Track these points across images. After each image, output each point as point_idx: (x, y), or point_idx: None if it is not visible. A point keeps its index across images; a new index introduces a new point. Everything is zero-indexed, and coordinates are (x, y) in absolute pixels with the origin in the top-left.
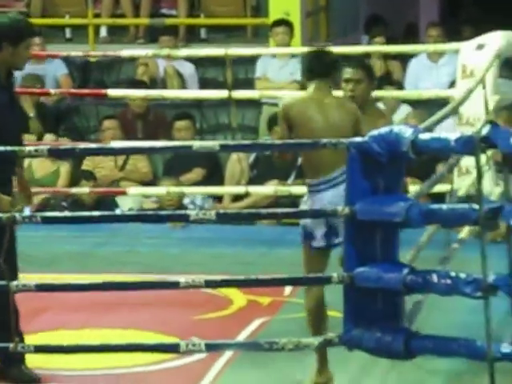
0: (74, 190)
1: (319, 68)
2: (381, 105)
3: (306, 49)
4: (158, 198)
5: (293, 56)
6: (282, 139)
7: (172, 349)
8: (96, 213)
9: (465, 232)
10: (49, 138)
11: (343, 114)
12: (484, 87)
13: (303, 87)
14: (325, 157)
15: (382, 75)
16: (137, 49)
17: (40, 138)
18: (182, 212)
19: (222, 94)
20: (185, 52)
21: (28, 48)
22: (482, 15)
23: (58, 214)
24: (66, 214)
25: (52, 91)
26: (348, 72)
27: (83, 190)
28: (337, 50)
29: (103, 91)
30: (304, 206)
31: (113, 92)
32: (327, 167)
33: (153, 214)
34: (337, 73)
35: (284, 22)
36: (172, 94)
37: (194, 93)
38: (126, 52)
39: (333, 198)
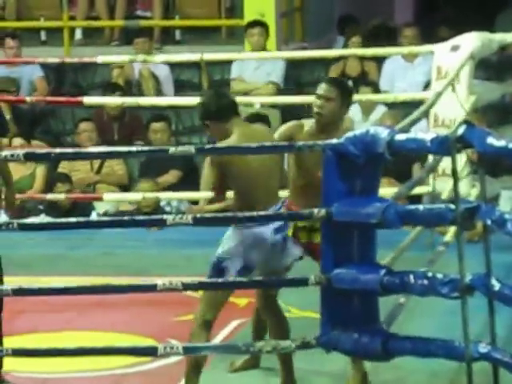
0: (50, 195)
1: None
2: (357, 106)
3: (282, 53)
4: (136, 201)
5: (268, 58)
6: (216, 186)
7: (149, 352)
8: (72, 219)
9: (450, 235)
10: (17, 141)
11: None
12: (454, 89)
13: (279, 88)
14: (260, 195)
15: (357, 76)
16: (112, 51)
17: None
18: (159, 217)
19: (197, 100)
20: (161, 57)
21: None
22: (458, 15)
23: (34, 220)
24: (43, 220)
25: (28, 99)
26: (321, 88)
27: (59, 196)
28: (313, 53)
29: (79, 99)
30: (228, 242)
31: (88, 100)
32: (260, 205)
33: (129, 219)
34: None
35: (259, 23)
36: (147, 101)
37: (169, 100)
38: (102, 58)
39: (260, 234)
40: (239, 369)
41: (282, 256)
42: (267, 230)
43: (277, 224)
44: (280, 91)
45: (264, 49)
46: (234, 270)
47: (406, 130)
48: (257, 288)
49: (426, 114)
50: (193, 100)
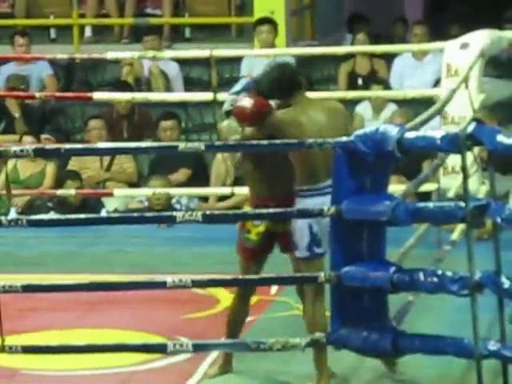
0: (60, 191)
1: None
2: (367, 105)
3: (291, 49)
4: (147, 199)
5: (277, 54)
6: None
7: (159, 349)
8: (82, 216)
9: (457, 233)
10: (27, 139)
11: (335, 117)
12: (467, 86)
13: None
14: (317, 165)
15: (367, 74)
16: (121, 49)
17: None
18: (169, 214)
19: (206, 96)
20: (170, 53)
21: None
22: (468, 12)
23: (43, 216)
24: (52, 216)
25: (37, 95)
26: None
27: (69, 191)
28: (322, 50)
29: (88, 94)
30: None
31: (98, 95)
32: (318, 176)
33: (139, 215)
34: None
35: (267, 21)
36: (157, 96)
37: (178, 95)
38: (112, 54)
39: (316, 206)
40: (216, 375)
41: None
42: (326, 200)
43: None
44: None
45: (273, 46)
46: (304, 244)
47: (418, 127)
48: (266, 285)
49: (439, 112)
50: (202, 96)
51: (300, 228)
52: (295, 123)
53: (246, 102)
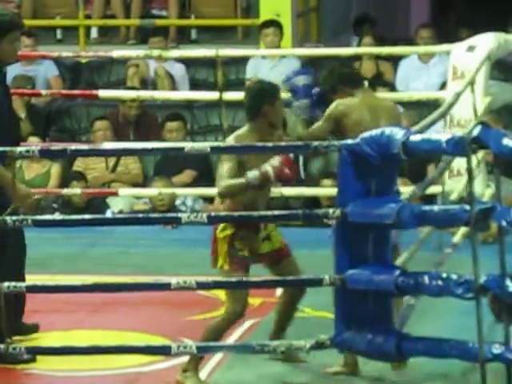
0: (65, 191)
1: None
2: None
3: (297, 50)
4: (150, 200)
5: (283, 56)
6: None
7: (163, 351)
8: (87, 216)
9: (458, 236)
10: (33, 140)
11: (390, 118)
12: (473, 89)
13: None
14: None
15: (373, 76)
16: (127, 50)
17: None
18: (174, 215)
19: (212, 95)
20: (176, 53)
21: (14, 41)
22: (473, 15)
23: (48, 217)
24: (57, 217)
25: (43, 92)
26: None
27: (74, 190)
28: (328, 51)
29: (94, 92)
30: None
31: (104, 93)
32: None
33: (144, 216)
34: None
35: (273, 23)
36: (163, 95)
37: (184, 94)
38: (117, 52)
39: None
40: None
41: None
42: None
43: None
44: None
45: (279, 49)
46: None
47: (424, 130)
48: (271, 287)
49: (444, 115)
50: (209, 95)
51: None
52: (354, 113)
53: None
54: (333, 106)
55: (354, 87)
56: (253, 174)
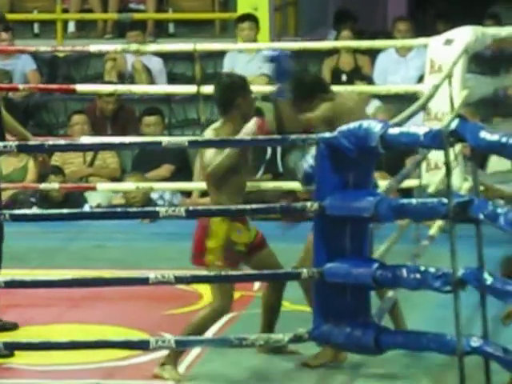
0: (43, 185)
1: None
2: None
3: (274, 44)
4: (124, 195)
5: (260, 50)
6: None
7: (142, 345)
8: (65, 210)
9: (435, 229)
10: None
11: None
12: (450, 83)
13: (271, 81)
14: None
15: (351, 70)
16: (105, 44)
17: None
18: (152, 209)
19: (190, 89)
20: (153, 47)
21: None
22: (450, 9)
23: (26, 211)
24: (35, 211)
25: (20, 86)
26: None
27: (52, 185)
28: (306, 45)
29: (72, 87)
30: None
31: (81, 87)
32: None
33: (122, 211)
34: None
35: (249, 17)
36: (141, 89)
37: (162, 88)
38: (95, 47)
39: None
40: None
41: None
42: None
43: None
44: (273, 83)
45: (255, 42)
46: None
47: (403, 123)
48: (249, 281)
49: (423, 108)
50: (187, 89)
51: None
52: (346, 109)
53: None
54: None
55: (325, 91)
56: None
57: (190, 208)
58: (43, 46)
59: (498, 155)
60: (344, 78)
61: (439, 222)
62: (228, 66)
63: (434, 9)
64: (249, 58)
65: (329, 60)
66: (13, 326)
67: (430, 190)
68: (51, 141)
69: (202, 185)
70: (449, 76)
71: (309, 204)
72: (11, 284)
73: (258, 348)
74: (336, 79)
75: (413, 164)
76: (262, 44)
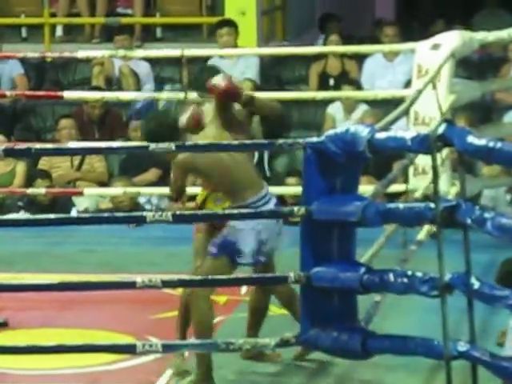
0: (30, 190)
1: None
2: (339, 105)
3: (261, 49)
4: (111, 199)
5: (245, 54)
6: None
7: (128, 349)
8: (52, 216)
9: (423, 233)
10: None
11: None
12: (434, 87)
13: (256, 86)
14: (241, 184)
15: (338, 74)
16: (93, 48)
17: None
18: (139, 214)
19: (178, 95)
20: (141, 53)
21: None
22: (438, 13)
23: (14, 217)
24: (22, 216)
25: (8, 93)
26: None
27: (39, 190)
28: (293, 50)
29: (59, 93)
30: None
31: (69, 94)
32: (247, 193)
33: (109, 215)
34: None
35: (227, 23)
36: (128, 96)
37: (149, 94)
38: (83, 53)
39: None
40: None
41: (278, 238)
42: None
43: (275, 202)
44: (257, 88)
45: (235, 48)
46: (248, 250)
47: (386, 128)
48: (236, 285)
49: (406, 112)
50: (174, 95)
51: (245, 233)
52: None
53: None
54: None
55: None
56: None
57: (177, 212)
58: (31, 50)
59: (484, 160)
60: (332, 82)
61: (427, 227)
62: None
63: (421, 13)
64: (230, 64)
65: (316, 64)
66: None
67: (418, 194)
68: (38, 145)
69: (190, 190)
70: (432, 80)
71: (296, 208)
72: None
73: (243, 353)
74: (324, 83)
75: (400, 169)
76: (248, 49)
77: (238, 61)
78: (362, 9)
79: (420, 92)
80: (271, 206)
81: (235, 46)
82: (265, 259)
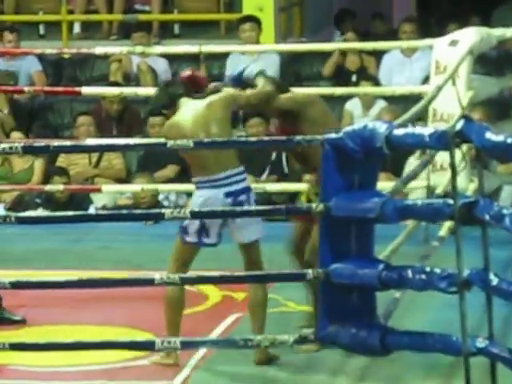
0: (48, 187)
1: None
2: (357, 101)
3: (279, 46)
4: (133, 196)
5: (262, 52)
6: None
7: (147, 346)
8: (70, 213)
9: (444, 230)
10: (16, 135)
11: (207, 110)
12: (454, 83)
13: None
14: (206, 159)
15: (357, 70)
16: (110, 45)
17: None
18: (157, 210)
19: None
20: (159, 49)
21: None
22: (456, 10)
23: (32, 214)
24: (41, 213)
25: (26, 89)
26: None
27: (57, 187)
28: (310, 46)
29: (77, 89)
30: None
31: (87, 90)
32: (208, 169)
33: (128, 213)
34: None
35: (250, 19)
36: (146, 91)
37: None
38: (100, 49)
39: (210, 196)
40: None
41: (243, 228)
42: (218, 193)
43: (231, 189)
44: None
45: (257, 44)
46: (192, 230)
47: (406, 124)
48: (255, 282)
49: (426, 109)
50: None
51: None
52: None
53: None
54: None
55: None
56: None
57: (195, 209)
58: (49, 47)
59: (503, 156)
60: (354, 78)
61: (448, 223)
62: (230, 68)
63: (439, 10)
64: (251, 60)
65: (333, 59)
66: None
67: (438, 191)
68: (56, 142)
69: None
70: (452, 77)
71: (314, 205)
72: (16, 285)
73: (258, 358)
74: (343, 79)
75: (420, 165)
76: (266, 46)
77: (258, 58)
78: (380, 5)
79: (440, 89)
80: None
81: (257, 42)
82: (212, 242)
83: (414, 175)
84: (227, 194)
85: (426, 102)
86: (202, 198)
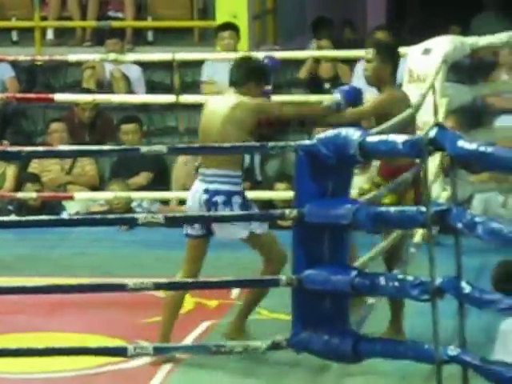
0: (21, 194)
1: (234, 77)
2: None
3: (253, 54)
4: (107, 202)
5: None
6: None
7: (120, 352)
8: (44, 217)
9: (418, 236)
10: None
11: (225, 115)
12: (434, 91)
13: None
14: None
15: (330, 78)
16: (84, 51)
17: None
18: (131, 215)
19: (169, 98)
20: (132, 56)
21: None
22: (429, 18)
23: (4, 218)
24: (13, 218)
25: None
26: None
27: (30, 194)
28: (285, 54)
29: (50, 96)
30: None
31: (60, 97)
32: (205, 162)
33: (101, 217)
34: (258, 80)
35: (229, 27)
36: (119, 98)
37: (141, 97)
38: (74, 57)
39: (195, 187)
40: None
41: (223, 227)
42: (201, 186)
43: (210, 186)
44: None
45: (235, 51)
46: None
47: (392, 132)
48: (225, 288)
49: (413, 117)
50: (165, 98)
51: None
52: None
53: None
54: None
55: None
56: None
57: (169, 215)
58: (22, 54)
59: (475, 165)
60: (327, 86)
61: (421, 230)
62: (206, 75)
63: (412, 18)
64: (228, 67)
65: (306, 66)
66: None
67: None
68: (29, 148)
69: (181, 193)
70: (432, 86)
71: (287, 211)
72: None
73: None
74: (317, 87)
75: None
76: (240, 53)
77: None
78: (353, 14)
79: (424, 96)
80: None
81: (235, 49)
82: (196, 234)
83: (404, 182)
84: (205, 191)
85: (414, 110)
86: (194, 187)
